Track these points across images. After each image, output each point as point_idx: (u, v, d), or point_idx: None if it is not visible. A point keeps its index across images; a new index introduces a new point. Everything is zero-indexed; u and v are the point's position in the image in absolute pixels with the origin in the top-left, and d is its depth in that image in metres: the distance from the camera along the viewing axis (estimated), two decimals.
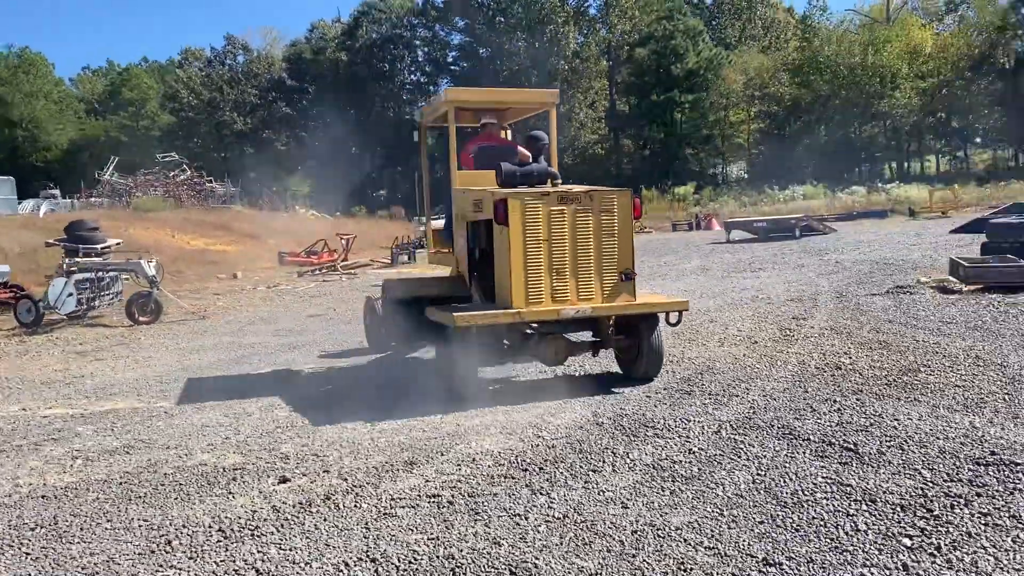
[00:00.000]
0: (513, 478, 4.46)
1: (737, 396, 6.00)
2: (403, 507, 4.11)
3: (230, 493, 4.48)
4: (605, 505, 4.01)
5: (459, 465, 4.72)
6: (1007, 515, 3.66)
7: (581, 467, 4.58)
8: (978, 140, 57.07)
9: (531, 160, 6.96)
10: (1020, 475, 4.12)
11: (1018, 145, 52.29)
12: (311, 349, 9.56)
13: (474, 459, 4.82)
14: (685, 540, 3.57)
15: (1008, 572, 3.18)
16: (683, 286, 13.85)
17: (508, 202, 5.99)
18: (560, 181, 6.70)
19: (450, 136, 7.16)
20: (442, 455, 4.93)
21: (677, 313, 6.55)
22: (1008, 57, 52.10)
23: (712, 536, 3.61)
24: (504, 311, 6.00)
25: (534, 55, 55.80)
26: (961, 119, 53.74)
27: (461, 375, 6.17)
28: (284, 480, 4.61)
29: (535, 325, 6.38)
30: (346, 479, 4.60)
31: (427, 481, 4.49)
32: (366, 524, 3.92)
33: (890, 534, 3.53)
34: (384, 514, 4.04)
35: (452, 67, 66.13)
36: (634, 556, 3.44)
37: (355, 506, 4.17)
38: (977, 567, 3.22)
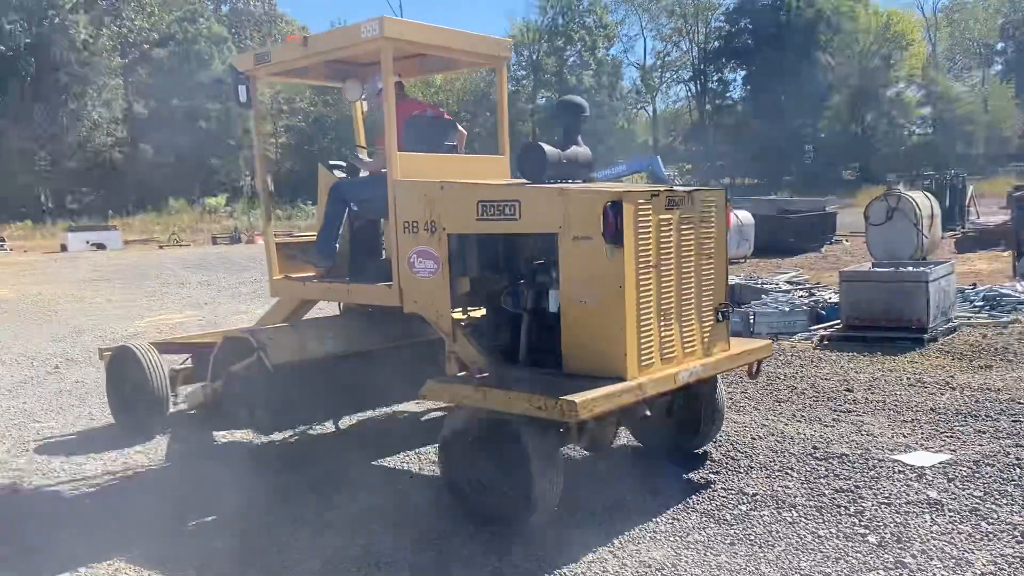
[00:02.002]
0: None
1: None
2: None
3: None
4: None
5: None
6: None
7: None
8: None
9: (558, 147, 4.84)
10: None
11: None
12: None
13: None
14: None
15: None
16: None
17: (624, 206, 4.15)
18: (596, 176, 5.15)
19: (387, 95, 4.98)
20: None
21: (757, 360, 5.24)
22: None
23: None
24: (623, 386, 4.06)
25: (34, 45, 48.32)
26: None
27: (544, 501, 4.19)
28: None
29: None
30: None
31: None
32: None
33: None
34: None
35: None
36: None
37: None
38: None
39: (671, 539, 4.24)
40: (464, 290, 4.81)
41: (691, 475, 5.17)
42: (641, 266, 4.17)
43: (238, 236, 38.38)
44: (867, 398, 6.81)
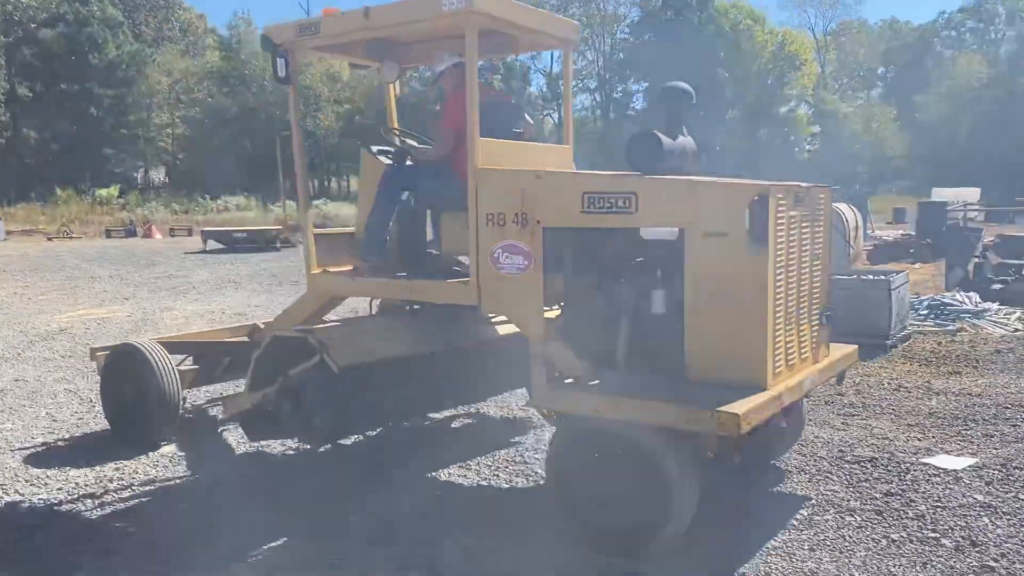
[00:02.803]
0: None
1: None
2: None
3: None
4: None
5: None
6: None
7: None
8: None
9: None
10: None
11: None
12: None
13: None
14: None
15: None
16: (239, 302, 13.40)
17: (769, 201, 3.84)
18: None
19: (470, 76, 4.50)
20: None
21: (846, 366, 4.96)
22: None
23: None
24: (767, 395, 3.79)
25: None
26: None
27: (681, 518, 3.93)
28: None
29: None
30: None
31: None
32: None
33: None
34: None
35: None
36: None
37: None
38: None
39: (752, 549, 4.14)
40: (556, 289, 4.47)
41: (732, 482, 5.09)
42: (778, 266, 3.93)
43: (133, 229, 36.80)
44: (862, 402, 6.93)
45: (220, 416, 5.73)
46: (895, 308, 9.30)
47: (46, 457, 5.79)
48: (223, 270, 19.80)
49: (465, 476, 5.32)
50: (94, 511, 4.80)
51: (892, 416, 6.51)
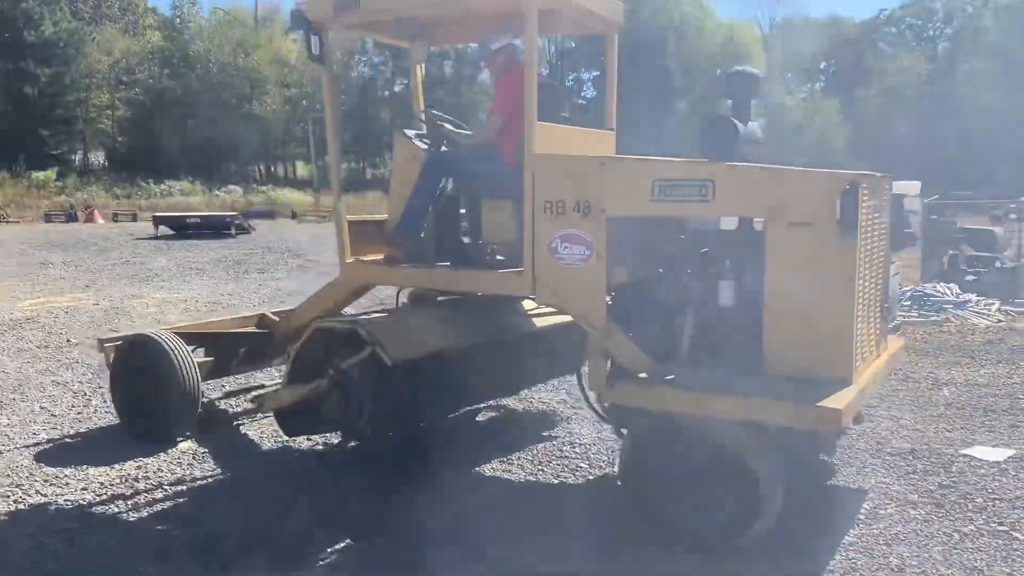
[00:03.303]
0: None
1: None
2: None
3: None
4: None
5: None
6: None
7: None
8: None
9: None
10: None
11: (366, 159, 58.43)
12: None
13: None
14: None
15: None
16: (209, 291, 13.32)
17: (860, 192, 3.72)
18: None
19: (530, 55, 4.39)
20: None
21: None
22: None
23: None
24: (855, 389, 3.73)
25: None
26: (321, 130, 57.70)
27: (771, 514, 3.85)
28: None
29: None
30: None
31: None
32: None
33: None
34: None
35: None
36: None
37: None
38: None
39: (830, 544, 4.08)
40: (619, 280, 4.32)
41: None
42: (863, 257, 3.85)
43: (74, 214, 35.48)
44: (878, 392, 6.96)
45: (259, 409, 5.43)
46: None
47: (57, 455, 5.45)
48: (181, 256, 19.19)
49: (509, 471, 5.16)
50: (130, 513, 4.52)
51: (912, 407, 6.54)
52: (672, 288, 4.25)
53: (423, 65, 6.02)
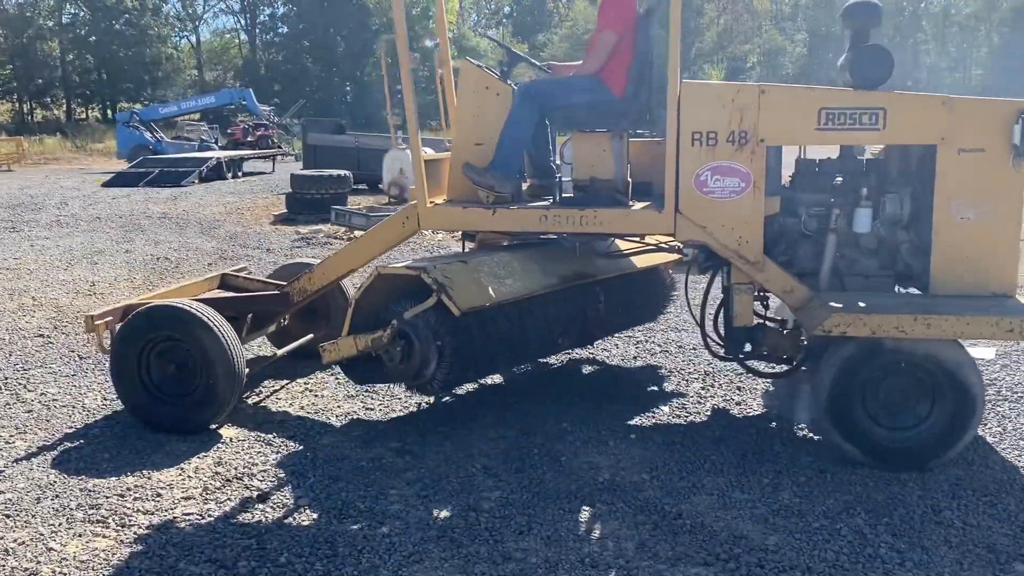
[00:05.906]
0: None
1: None
2: None
3: None
4: None
5: None
6: None
7: None
8: None
9: None
10: None
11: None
12: None
13: None
14: None
15: None
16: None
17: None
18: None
19: None
20: None
21: None
22: None
23: None
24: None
25: None
26: None
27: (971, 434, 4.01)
28: None
29: None
30: None
31: None
32: None
33: None
34: None
35: None
36: None
37: None
38: None
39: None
40: (772, 212, 4.17)
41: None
42: None
43: None
44: None
45: (324, 362, 4.62)
46: None
47: (75, 456, 4.25)
48: None
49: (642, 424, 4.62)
50: (204, 517, 3.60)
51: None
52: (822, 216, 4.26)
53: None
